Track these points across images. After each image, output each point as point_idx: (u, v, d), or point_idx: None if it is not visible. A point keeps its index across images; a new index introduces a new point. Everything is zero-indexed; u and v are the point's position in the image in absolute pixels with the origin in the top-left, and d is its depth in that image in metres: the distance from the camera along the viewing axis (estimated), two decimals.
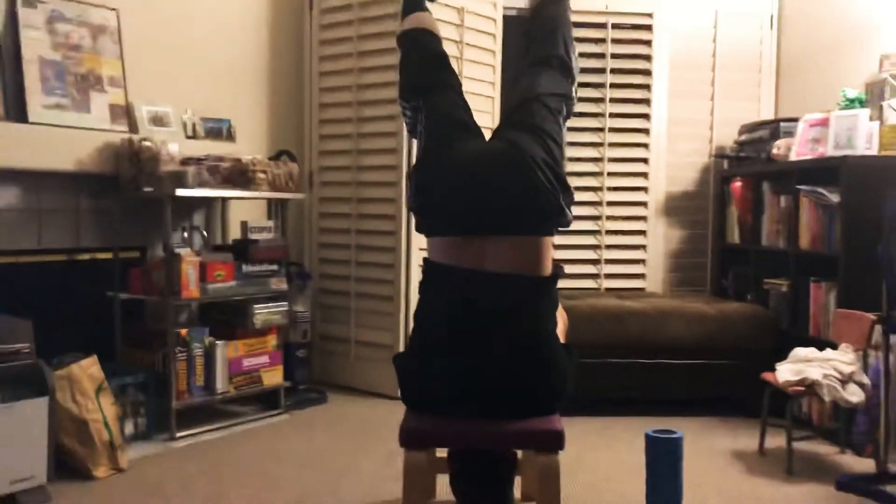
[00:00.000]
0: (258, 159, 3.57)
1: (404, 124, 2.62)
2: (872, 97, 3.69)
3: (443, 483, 2.54)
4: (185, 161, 3.35)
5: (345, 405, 3.89)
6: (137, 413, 3.21)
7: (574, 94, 2.24)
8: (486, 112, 4.27)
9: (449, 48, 4.06)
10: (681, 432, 2.29)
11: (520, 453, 2.50)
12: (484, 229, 2.00)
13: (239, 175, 3.48)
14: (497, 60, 4.31)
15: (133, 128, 3.45)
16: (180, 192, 3.19)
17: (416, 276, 3.83)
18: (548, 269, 2.08)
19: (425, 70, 2.28)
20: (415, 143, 3.84)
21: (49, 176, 3.19)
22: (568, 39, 2.26)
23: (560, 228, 2.16)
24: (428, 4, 2.48)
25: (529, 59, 2.26)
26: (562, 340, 2.17)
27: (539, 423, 1.99)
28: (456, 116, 2.18)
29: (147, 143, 3.25)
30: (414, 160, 2.28)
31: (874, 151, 3.49)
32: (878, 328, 3.02)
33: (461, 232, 2.03)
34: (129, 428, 3.17)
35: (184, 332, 3.31)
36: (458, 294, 2.03)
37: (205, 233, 3.78)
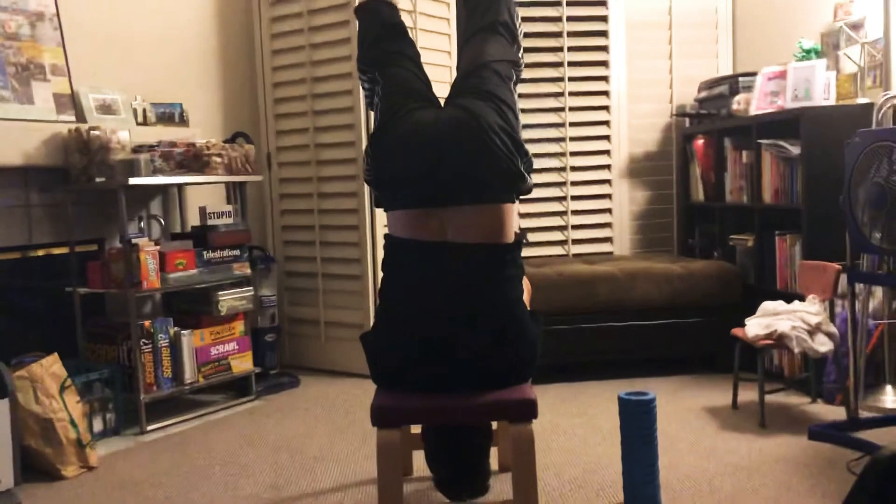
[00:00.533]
0: (212, 142, 3.49)
1: (363, 96, 2.56)
2: (828, 47, 3.69)
3: (419, 459, 2.53)
4: (137, 148, 3.26)
5: (318, 387, 3.86)
6: (105, 409, 3.15)
7: (521, 59, 2.21)
8: (443, 82, 4.19)
9: (402, 18, 4.02)
10: (653, 393, 2.29)
11: (494, 424, 2.49)
12: (443, 200, 1.97)
13: (193, 160, 3.40)
14: (452, 29, 4.24)
15: (80, 117, 3.34)
16: (133, 180, 3.10)
17: (382, 253, 3.78)
18: (511, 236, 2.05)
19: (381, 41, 2.23)
20: (372, 116, 3.80)
21: None
22: (511, 5, 2.22)
23: (521, 195, 2.13)
24: None
25: (474, 26, 2.22)
26: (527, 307, 2.15)
27: (511, 392, 1.98)
28: (412, 87, 2.14)
29: (96, 132, 3.15)
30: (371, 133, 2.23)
31: (832, 101, 3.50)
32: (843, 277, 3.05)
33: (420, 204, 1.99)
34: (97, 425, 3.10)
35: (147, 323, 3.24)
36: (421, 267, 2.01)
37: (162, 221, 3.69)
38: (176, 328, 3.33)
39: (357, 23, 2.35)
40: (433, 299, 1.98)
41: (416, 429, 2.49)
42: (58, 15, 3.32)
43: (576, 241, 4.53)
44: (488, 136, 1.96)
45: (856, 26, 3.53)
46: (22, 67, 3.17)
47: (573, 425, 3.13)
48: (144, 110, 3.61)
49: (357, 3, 2.35)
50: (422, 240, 2.00)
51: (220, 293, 3.44)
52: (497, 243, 2.02)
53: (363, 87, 2.29)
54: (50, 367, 2.82)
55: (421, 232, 2.00)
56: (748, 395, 3.30)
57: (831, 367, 3.25)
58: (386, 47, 2.21)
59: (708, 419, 3.15)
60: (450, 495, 2.26)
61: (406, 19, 3.97)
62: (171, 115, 3.73)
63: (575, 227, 4.52)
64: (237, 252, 3.54)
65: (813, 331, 3.00)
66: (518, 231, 2.10)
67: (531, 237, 4.45)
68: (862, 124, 3.16)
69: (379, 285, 2.13)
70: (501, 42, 2.17)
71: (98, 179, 3.14)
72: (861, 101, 3.39)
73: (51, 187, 3.26)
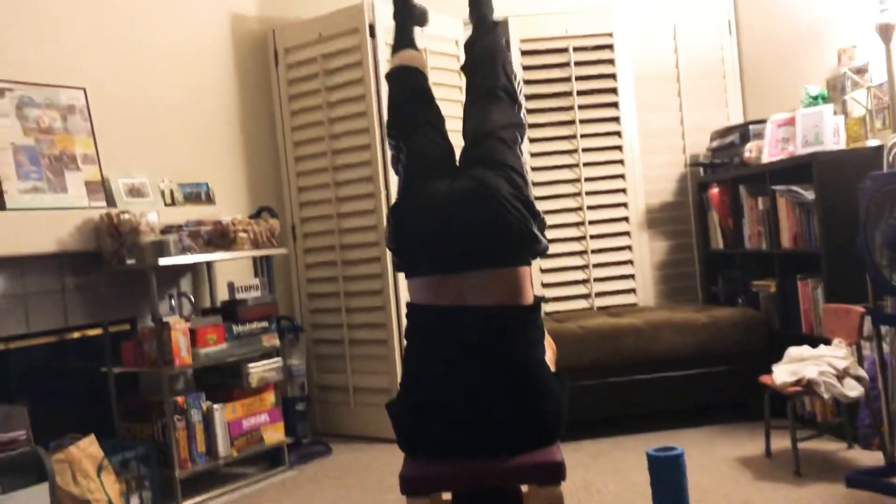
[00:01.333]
0: (238, 219, 3.60)
1: (389, 157, 2.70)
2: (834, 92, 3.75)
3: None
4: (166, 229, 3.37)
5: (349, 455, 3.88)
6: (142, 486, 3.19)
7: (523, 119, 2.29)
8: (458, 146, 4.32)
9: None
10: (681, 448, 2.30)
11: (524, 487, 2.49)
12: (460, 266, 2.02)
13: (220, 237, 3.51)
14: (463, 95, 4.35)
15: (111, 201, 3.47)
16: (163, 261, 3.21)
17: (405, 317, 3.83)
18: (529, 297, 2.08)
19: (404, 107, 2.32)
20: (393, 184, 3.90)
21: (32, 259, 3.19)
22: (507, 66, 2.32)
23: (536, 257, 2.18)
24: (418, 32, 2.56)
25: (475, 91, 2.31)
26: (552, 369, 2.18)
27: (538, 455, 1.99)
28: (433, 156, 2.21)
29: (126, 216, 3.27)
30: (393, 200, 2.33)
31: (842, 145, 3.54)
32: (867, 320, 3.04)
33: (438, 271, 2.04)
34: (134, 503, 3.14)
35: (181, 399, 3.30)
36: (442, 332, 2.04)
37: (192, 297, 3.78)
38: (208, 402, 3.39)
39: (387, 88, 2.45)
40: (454, 364, 2.01)
41: (447, 495, 2.50)
42: (88, 107, 3.48)
43: (599, 294, 4.55)
44: (500, 203, 2.02)
45: (860, 71, 3.58)
46: (55, 159, 3.32)
47: (606, 482, 3.12)
48: (172, 191, 3.74)
49: (388, 70, 2.46)
50: (440, 305, 2.05)
51: (250, 365, 3.50)
52: (516, 305, 2.05)
53: (390, 150, 2.37)
54: (87, 449, 2.88)
55: (439, 298, 2.05)
56: (781, 442, 3.26)
57: (864, 410, 3.21)
58: (407, 114, 2.29)
59: (741, 469, 3.12)
60: None
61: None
62: (197, 195, 3.86)
63: (597, 279, 4.55)
64: (265, 324, 3.61)
65: (841, 375, 2.99)
66: (536, 296, 2.13)
67: (553, 292, 4.48)
68: (874, 166, 3.20)
69: (404, 351, 2.18)
70: (503, 106, 2.26)
71: (129, 261, 3.25)
72: (871, 143, 3.43)
73: (84, 271, 3.37)
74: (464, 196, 2.07)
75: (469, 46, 2.45)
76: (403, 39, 2.51)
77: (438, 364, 2.04)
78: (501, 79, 2.29)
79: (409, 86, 2.35)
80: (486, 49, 2.37)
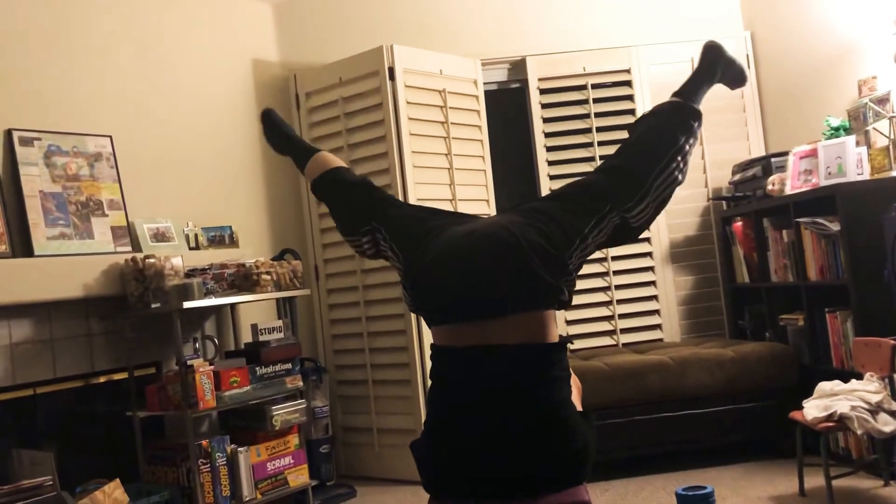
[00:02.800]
0: (261, 261, 3.62)
1: (365, 258, 2.49)
2: (856, 123, 3.72)
3: None
4: (190, 273, 3.40)
5: (374, 497, 3.84)
6: None
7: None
8: (479, 185, 4.34)
9: (435, 129, 4.20)
10: (711, 487, 2.25)
11: None
12: (482, 315, 1.99)
13: (244, 279, 3.53)
14: (484, 134, 4.40)
15: (136, 246, 3.52)
16: (187, 304, 3.23)
17: (429, 355, 3.82)
18: (554, 336, 2.06)
19: (361, 198, 2.22)
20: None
21: (58, 304, 3.23)
22: (667, 170, 2.00)
23: (562, 307, 2.13)
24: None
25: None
26: (578, 407, 2.14)
27: (563, 497, 1.95)
28: (421, 213, 2.15)
29: (151, 261, 3.31)
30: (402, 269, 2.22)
31: (866, 176, 3.50)
32: None
33: (460, 320, 2.02)
34: None
35: (205, 443, 3.30)
36: (465, 371, 2.01)
37: (216, 340, 3.80)
38: (233, 446, 3.38)
39: (323, 202, 2.39)
40: (478, 404, 1.98)
41: None
42: (114, 154, 3.55)
43: (624, 331, 4.51)
44: (523, 251, 1.92)
45: (881, 101, 3.56)
46: (82, 205, 3.38)
47: None
48: (196, 235, 3.79)
49: (311, 184, 2.34)
50: (463, 346, 2.03)
51: (274, 408, 3.49)
52: (540, 343, 2.02)
53: (361, 250, 2.22)
54: (112, 493, 2.88)
55: (462, 340, 2.03)
56: (815, 480, 3.18)
57: None
58: (369, 200, 2.18)
59: None
60: None
61: (439, 129, 4.17)
62: (221, 238, 3.90)
63: (622, 315, 4.51)
64: (289, 366, 3.61)
65: (875, 410, 2.92)
66: (562, 336, 2.09)
67: (578, 329, 4.45)
68: None
69: (428, 391, 2.14)
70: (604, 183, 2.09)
71: (154, 305, 3.28)
72: None
73: (110, 315, 3.40)
74: (483, 241, 2.03)
75: (642, 117, 2.19)
76: (302, 148, 2.47)
77: (462, 403, 2.01)
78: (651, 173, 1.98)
79: (349, 184, 2.24)
80: (653, 131, 2.07)
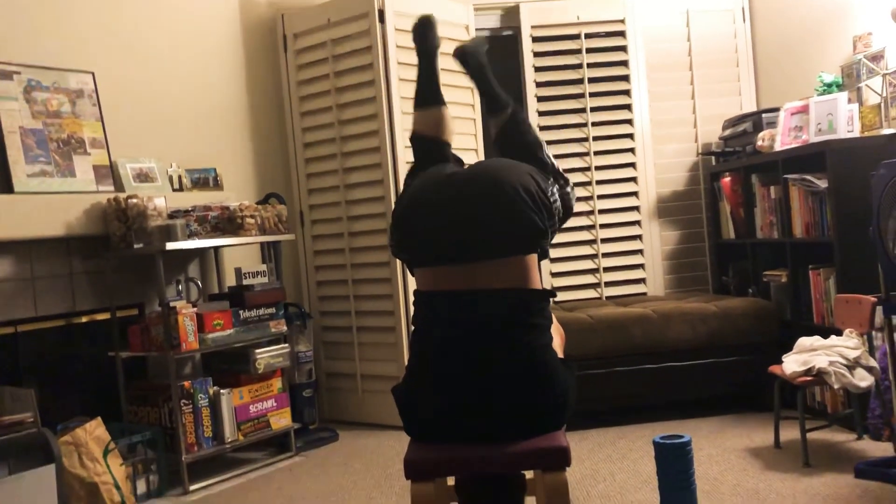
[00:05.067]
0: (245, 205, 3.59)
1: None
2: (849, 79, 3.70)
3: None
4: (173, 214, 3.37)
5: (357, 441, 3.88)
6: (148, 470, 3.20)
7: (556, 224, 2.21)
8: (468, 134, 4.30)
9: None
10: (689, 436, 2.28)
11: (529, 473, 2.48)
12: (465, 258, 1.99)
13: (228, 222, 3.50)
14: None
15: (119, 186, 3.47)
16: (170, 245, 3.20)
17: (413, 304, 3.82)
18: (537, 283, 2.06)
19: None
20: (402, 170, 3.88)
21: (40, 243, 3.20)
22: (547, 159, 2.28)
23: (545, 255, 2.16)
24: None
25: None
26: (560, 355, 2.16)
27: (543, 441, 1.97)
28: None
29: (133, 201, 3.27)
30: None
31: (856, 133, 3.49)
32: (879, 310, 3.00)
33: (442, 263, 2.02)
34: (141, 486, 3.15)
35: (187, 384, 3.31)
36: (448, 316, 2.02)
37: (199, 283, 3.78)
38: (215, 388, 3.39)
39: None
40: (460, 347, 1.99)
41: (451, 480, 2.49)
42: (96, 91, 3.48)
43: (608, 284, 4.52)
44: (507, 191, 1.98)
45: (876, 58, 3.53)
46: (63, 143, 3.32)
47: (612, 471, 3.10)
48: (180, 176, 3.74)
49: (411, 132, 2.33)
50: (447, 290, 2.03)
51: (257, 351, 3.50)
52: (524, 288, 2.03)
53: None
54: (94, 431, 2.89)
55: (447, 283, 2.03)
56: (791, 433, 3.24)
57: (875, 402, 3.18)
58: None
59: (750, 460, 3.10)
60: None
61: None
62: (205, 180, 3.86)
63: (607, 269, 4.52)
64: (273, 310, 3.61)
65: (852, 365, 2.96)
66: (546, 288, 2.10)
67: (562, 281, 4.46)
68: (888, 155, 3.15)
69: (410, 336, 2.16)
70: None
71: (137, 246, 3.25)
72: (886, 131, 3.38)
73: (92, 255, 3.38)
74: (466, 185, 2.04)
75: (497, 144, 2.30)
76: (429, 92, 2.32)
77: (444, 346, 2.02)
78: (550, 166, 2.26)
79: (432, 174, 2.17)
80: (518, 148, 2.25)
